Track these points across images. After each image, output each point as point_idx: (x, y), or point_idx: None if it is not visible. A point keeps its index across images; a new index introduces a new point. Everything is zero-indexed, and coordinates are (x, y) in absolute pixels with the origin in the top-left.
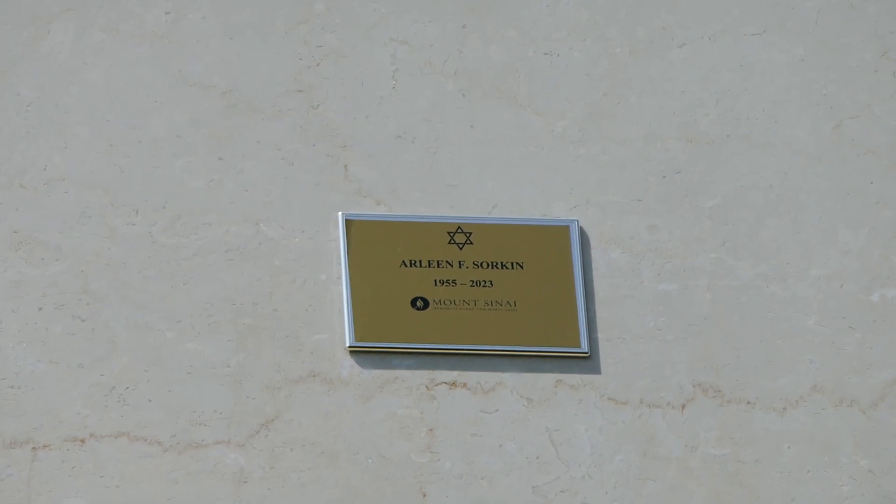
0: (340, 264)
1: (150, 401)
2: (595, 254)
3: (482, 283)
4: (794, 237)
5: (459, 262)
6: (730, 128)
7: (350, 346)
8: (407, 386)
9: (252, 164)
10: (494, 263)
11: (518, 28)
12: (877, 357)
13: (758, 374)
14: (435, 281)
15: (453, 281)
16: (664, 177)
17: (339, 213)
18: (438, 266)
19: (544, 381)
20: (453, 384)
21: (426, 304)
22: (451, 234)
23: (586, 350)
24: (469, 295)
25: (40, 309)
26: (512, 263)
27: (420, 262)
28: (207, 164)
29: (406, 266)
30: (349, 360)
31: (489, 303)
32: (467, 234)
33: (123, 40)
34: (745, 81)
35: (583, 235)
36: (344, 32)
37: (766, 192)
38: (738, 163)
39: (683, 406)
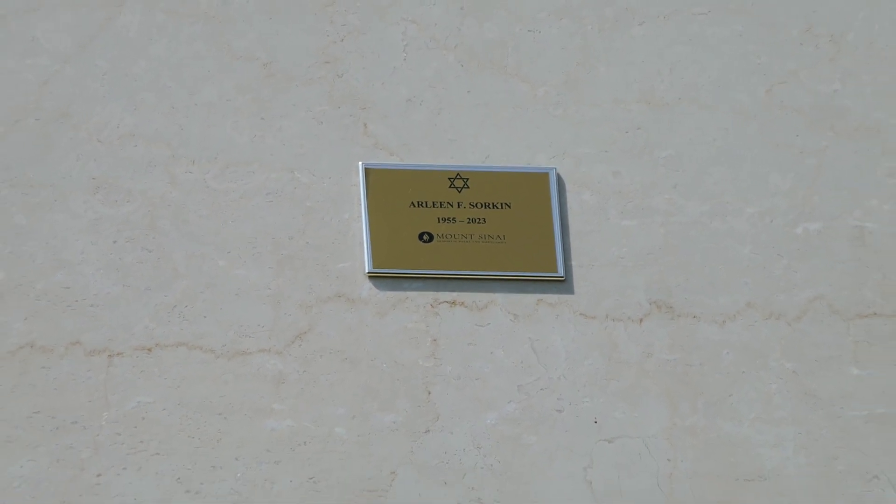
0: (360, 205)
1: (204, 317)
2: (569, 196)
3: (477, 221)
4: (733, 182)
5: (458, 203)
6: (681, 92)
7: (369, 272)
8: (415, 304)
9: (288, 123)
10: (487, 204)
11: (507, 9)
12: (800, 279)
13: (702, 293)
14: (438, 218)
15: (453, 219)
16: (626, 132)
17: (360, 162)
18: (441, 206)
19: (527, 300)
20: (453, 303)
21: (431, 237)
22: (451, 180)
23: (562, 275)
24: (466, 230)
25: (115, 242)
26: (501, 204)
27: (426, 203)
28: (251, 123)
29: (414, 206)
30: (368, 284)
31: (482, 236)
32: (465, 180)
33: (181, 20)
34: (694, 53)
35: (559, 181)
36: (363, 13)
37: (709, 145)
38: (687, 121)
39: (641, 320)
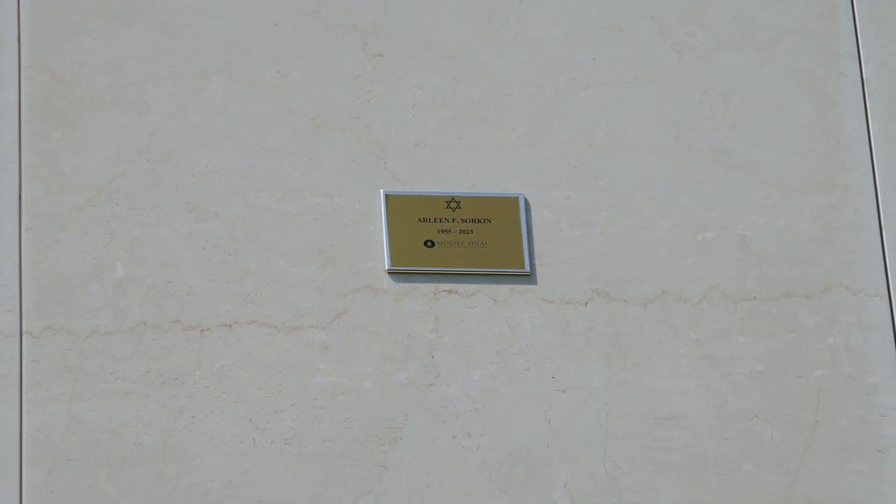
0: (382, 221)
1: (269, 302)
2: (534, 214)
3: (466, 232)
4: (653, 203)
5: (453, 220)
6: (615, 138)
7: (388, 269)
8: (422, 293)
9: (329, 161)
10: (473, 219)
11: (488, 78)
12: (701, 274)
13: (630, 284)
14: (438, 230)
15: (449, 230)
16: (575, 167)
17: (381, 190)
18: (440, 222)
19: (503, 289)
20: (450, 291)
21: (433, 244)
22: (448, 203)
23: (528, 270)
24: (458, 239)
25: (203, 248)
26: (484, 219)
27: (430, 219)
28: (302, 162)
29: (421, 222)
30: (388, 278)
31: (471, 243)
32: (458, 203)
33: (252, 87)
34: (623, 110)
35: (526, 203)
36: (384, 82)
37: (636, 176)
38: (620, 158)
39: (586, 303)
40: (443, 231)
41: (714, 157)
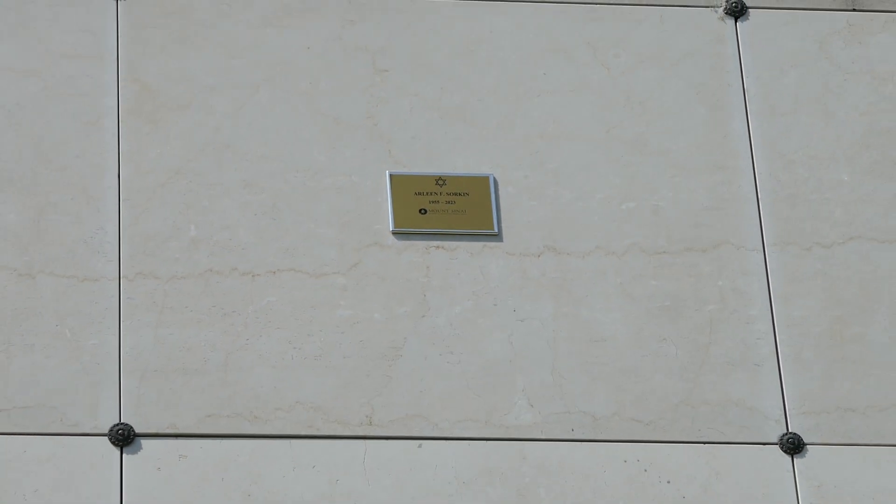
0: (388, 194)
1: (303, 254)
2: (501, 190)
3: (450, 203)
4: (588, 180)
5: (440, 193)
6: (563, 132)
7: (392, 230)
8: (417, 248)
9: (350, 151)
10: (456, 192)
11: (469, 89)
12: (624, 234)
13: (572, 241)
14: (429, 201)
15: (437, 201)
16: (531, 154)
17: (387, 171)
18: (431, 195)
19: (478, 245)
20: (437, 247)
21: (426, 211)
22: (436, 181)
23: (496, 231)
24: (445, 208)
25: (255, 214)
26: (463, 193)
27: (423, 192)
28: (331, 150)
29: (416, 195)
30: (392, 237)
31: (454, 211)
32: (444, 181)
33: (289, 95)
34: (568, 121)
35: (495, 181)
36: (390, 92)
37: (577, 161)
38: (566, 148)
39: (539, 255)
40: (433, 202)
41: (634, 147)
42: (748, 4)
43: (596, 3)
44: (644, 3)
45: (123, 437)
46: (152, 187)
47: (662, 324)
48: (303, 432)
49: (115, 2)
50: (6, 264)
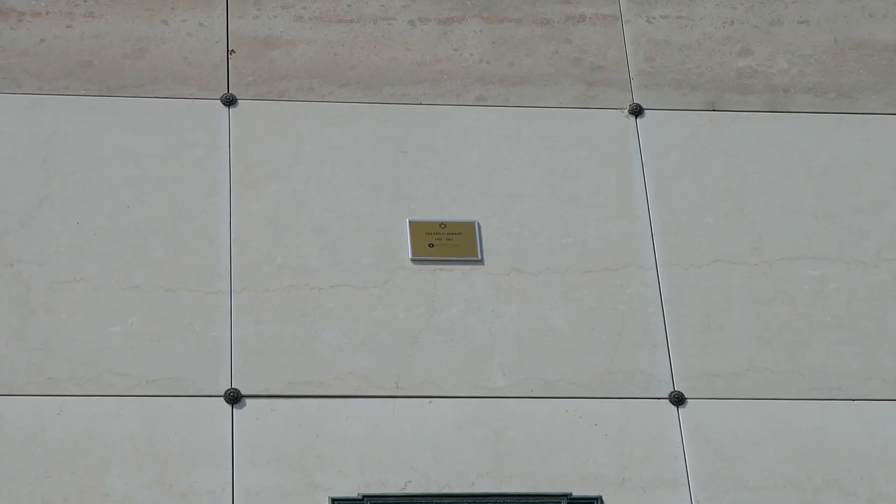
0: (407, 235)
1: (353, 274)
2: (483, 230)
3: (449, 239)
4: (541, 224)
5: (442, 233)
6: (523, 193)
7: (411, 258)
8: (427, 270)
9: (382, 203)
10: (453, 232)
11: (461, 165)
12: (566, 258)
13: (530, 264)
14: (435, 239)
15: (440, 239)
16: (503, 204)
17: (407, 219)
18: (435, 234)
19: (467, 268)
20: (441, 269)
21: (433, 245)
22: (440, 224)
23: (480, 258)
24: (446, 243)
25: (320, 248)
26: (457, 233)
27: (431, 232)
28: (366, 203)
29: (427, 234)
30: (410, 263)
31: (452, 245)
32: (445, 224)
33: (331, 154)
34: (522, 187)
35: (479, 226)
36: (413, 146)
37: (534, 210)
38: (523, 205)
39: (508, 274)
40: (437, 239)
41: (570, 202)
42: (644, 107)
43: (544, 107)
44: (576, 106)
45: (234, 398)
46: (252, 231)
47: (591, 318)
48: (353, 393)
49: (227, 109)
50: (157, 283)
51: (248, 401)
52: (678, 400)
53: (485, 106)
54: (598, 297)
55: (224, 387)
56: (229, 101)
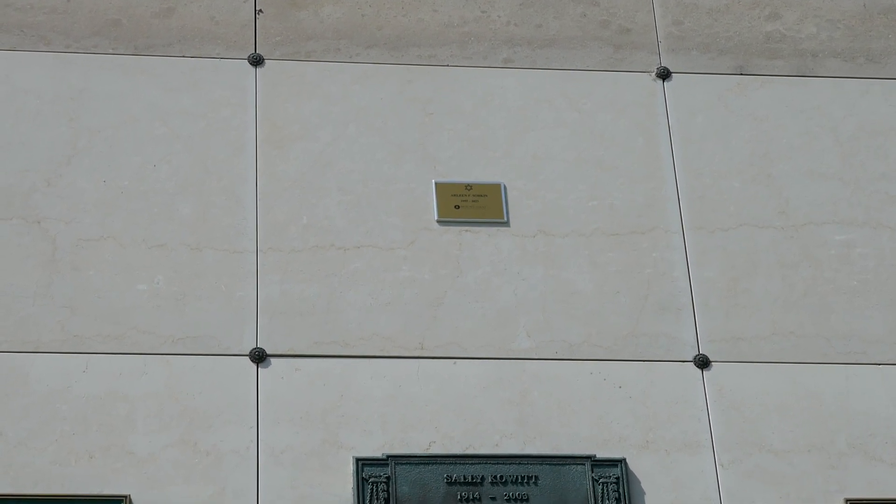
0: (433, 196)
1: (379, 235)
2: (508, 192)
3: (475, 201)
4: (569, 189)
5: (468, 194)
6: (549, 155)
7: (437, 219)
8: (454, 231)
9: (412, 167)
10: (479, 194)
11: (487, 124)
12: (590, 221)
13: (557, 225)
14: (461, 200)
15: (466, 200)
16: (527, 171)
17: (433, 180)
18: (461, 196)
19: (493, 229)
20: (467, 231)
21: (459, 206)
22: (466, 186)
23: (506, 220)
24: (472, 204)
25: (347, 211)
26: (483, 195)
27: (457, 194)
28: (394, 169)
29: (453, 196)
30: (436, 224)
31: (478, 207)
32: (471, 186)
33: (374, 131)
34: (552, 151)
35: (504, 188)
36: (437, 127)
37: (559, 175)
38: (551, 167)
39: (534, 235)
40: (463, 201)
41: (597, 165)
42: (672, 70)
43: (571, 70)
44: (603, 69)
45: (259, 357)
46: (278, 191)
47: (616, 281)
48: (377, 353)
49: (254, 69)
50: (184, 241)
51: (273, 360)
52: (703, 363)
53: (512, 68)
54: (624, 261)
55: (249, 346)
56: (256, 61)
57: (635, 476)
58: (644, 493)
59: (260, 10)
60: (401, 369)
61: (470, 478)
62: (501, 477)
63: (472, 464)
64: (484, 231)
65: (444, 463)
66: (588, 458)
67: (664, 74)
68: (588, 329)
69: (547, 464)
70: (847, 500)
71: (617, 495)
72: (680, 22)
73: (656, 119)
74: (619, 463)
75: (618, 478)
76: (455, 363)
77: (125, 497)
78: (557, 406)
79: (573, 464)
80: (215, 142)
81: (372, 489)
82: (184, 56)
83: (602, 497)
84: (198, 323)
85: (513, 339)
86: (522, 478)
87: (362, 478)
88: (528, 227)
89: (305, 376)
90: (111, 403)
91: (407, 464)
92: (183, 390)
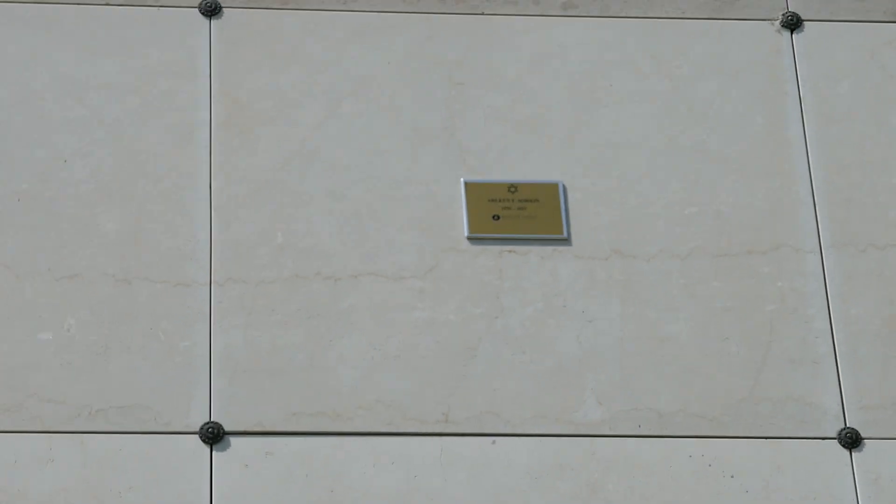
0: (462, 202)
1: (384, 259)
2: (569, 195)
3: (522, 208)
4: (653, 186)
5: (512, 199)
6: (628, 140)
7: (467, 236)
8: (491, 252)
9: (432, 161)
10: (527, 199)
11: (538, 98)
12: (687, 238)
13: (638, 244)
14: (502, 208)
15: (509, 208)
16: (597, 162)
17: (462, 179)
18: (503, 202)
19: (548, 249)
20: (510, 251)
21: (499, 217)
22: (509, 188)
23: (565, 236)
24: (517, 214)
25: (338, 221)
26: (534, 199)
27: (496, 199)
28: (409, 161)
29: (490, 201)
30: (466, 242)
31: (525, 217)
32: (516, 188)
33: (377, 110)
34: (633, 129)
35: (564, 189)
36: (470, 104)
37: (642, 168)
38: (631, 155)
39: (607, 258)
40: (505, 208)
41: (696, 153)
42: (803, 17)
43: (658, 18)
44: (704, 17)
45: (213, 435)
46: (242, 197)
47: (725, 323)
48: (382, 430)
49: (207, 21)
50: (105, 271)
51: (233, 440)
52: (851, 440)
53: (575, 17)
54: (736, 293)
55: (200, 420)
56: (211, 10)
57: None
58: None
59: None
60: (416, 451)
61: None
62: None
63: None
64: (535, 252)
65: None
66: None
67: (793, 23)
68: (685, 393)
69: None
70: None
71: None
72: None
73: (782, 87)
74: None
75: None
76: (494, 442)
77: None
78: (642, 503)
79: None
80: (153, 127)
81: None
82: (108, 4)
83: None
84: (126, 387)
85: (577, 408)
86: None
87: None
88: (599, 246)
89: (280, 462)
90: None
91: None
92: (105, 485)
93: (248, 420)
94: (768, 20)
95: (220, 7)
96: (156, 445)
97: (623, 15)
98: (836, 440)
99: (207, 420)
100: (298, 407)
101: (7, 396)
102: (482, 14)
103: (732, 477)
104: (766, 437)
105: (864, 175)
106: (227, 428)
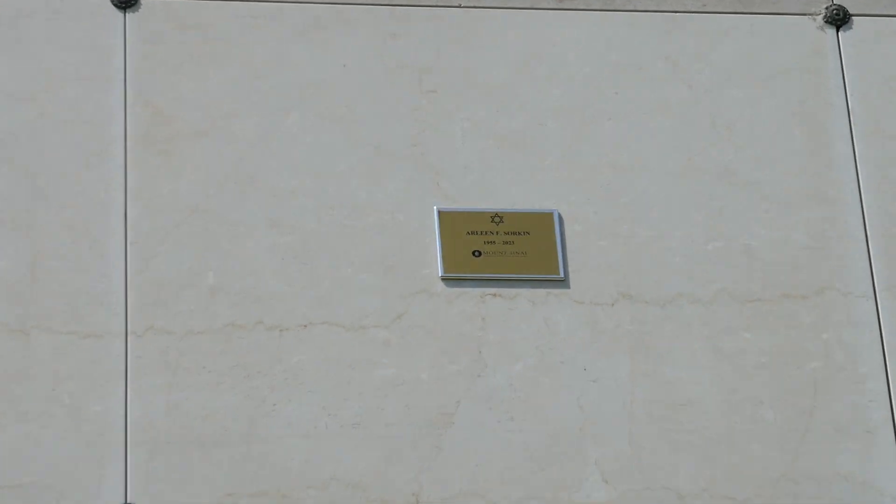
0: (436, 234)
1: (339, 305)
2: (566, 227)
3: (508, 243)
4: (667, 215)
5: (496, 232)
6: (637, 161)
7: (442, 276)
8: (470, 296)
9: (395, 184)
10: (514, 232)
11: (526, 109)
12: (711, 278)
13: (650, 287)
14: (484, 242)
15: (493, 242)
16: (599, 188)
17: (435, 207)
18: (486, 234)
19: (541, 292)
20: (494, 295)
21: (480, 253)
22: (492, 218)
23: (562, 276)
24: (502, 249)
25: (283, 258)
26: (523, 232)
27: (477, 231)
28: (375, 187)
29: (469, 234)
30: (441, 283)
31: (512, 252)
32: (501, 217)
33: (331, 122)
34: (643, 148)
35: (560, 218)
36: (438, 117)
37: (654, 194)
38: (641, 179)
39: (613, 304)
40: (488, 242)
41: (720, 177)
42: (851, 12)
43: (676, 12)
44: (732, 10)
45: None
46: (164, 228)
47: (758, 384)
48: None
49: (122, 14)
50: None
51: None
52: None
53: (572, 10)
54: (771, 347)
55: (114, 502)
56: (126, 1)
57: None
58: None
59: None
60: None
61: None
62: None
63: None
64: (525, 296)
65: None
66: None
67: (839, 18)
68: (709, 469)
69: None
70: None
71: None
72: None
73: (826, 94)
74: None
75: None
76: None
77: None
78: None
79: None
80: (54, 143)
81: None
82: None
83: None
84: (23, 462)
85: (578, 486)
86: None
87: None
88: (603, 289)
89: None
90: None
91: None
92: None
93: (173, 502)
94: (809, 14)
95: None
96: None
97: (631, 8)
98: None
99: (123, 502)
100: (235, 486)
101: None
102: (458, 6)
103: None
104: None
105: None
106: None
